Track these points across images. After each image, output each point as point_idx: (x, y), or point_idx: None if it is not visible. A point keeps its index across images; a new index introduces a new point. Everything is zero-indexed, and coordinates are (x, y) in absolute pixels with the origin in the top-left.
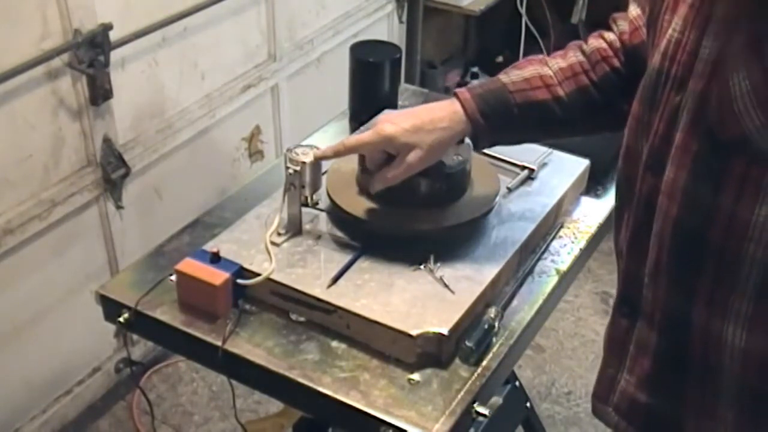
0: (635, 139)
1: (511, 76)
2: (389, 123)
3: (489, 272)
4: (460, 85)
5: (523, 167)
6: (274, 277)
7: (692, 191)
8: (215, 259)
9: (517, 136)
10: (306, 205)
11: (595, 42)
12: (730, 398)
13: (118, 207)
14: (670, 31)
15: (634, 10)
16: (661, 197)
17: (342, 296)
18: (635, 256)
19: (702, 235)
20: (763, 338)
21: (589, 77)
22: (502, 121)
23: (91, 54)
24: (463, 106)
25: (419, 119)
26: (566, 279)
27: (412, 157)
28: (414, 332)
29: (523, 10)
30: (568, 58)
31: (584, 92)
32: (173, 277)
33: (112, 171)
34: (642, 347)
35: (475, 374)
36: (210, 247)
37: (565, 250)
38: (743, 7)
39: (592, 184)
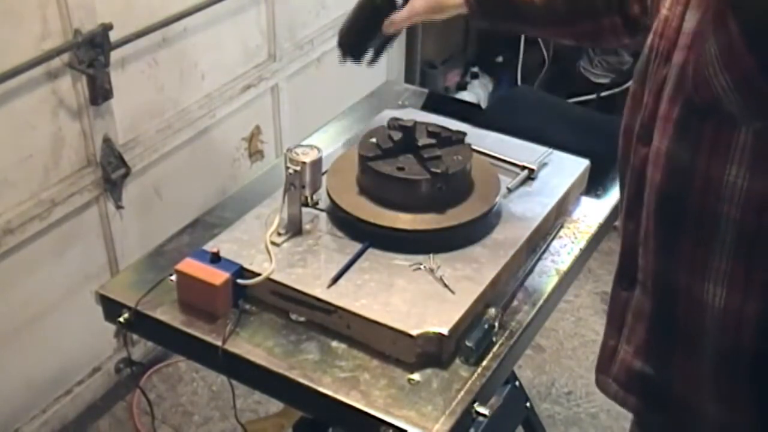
0: (631, 117)
1: None
2: None
3: (489, 272)
4: (460, 85)
5: (523, 167)
6: (274, 277)
7: (673, 156)
8: (215, 259)
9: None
10: (306, 205)
11: None
12: (710, 360)
13: (118, 207)
14: (663, 11)
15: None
16: (649, 166)
17: (342, 296)
18: (631, 228)
19: (682, 198)
20: (739, 296)
21: None
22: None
23: (91, 54)
24: None
25: None
26: (566, 279)
27: (417, 2)
28: (414, 332)
29: None
30: None
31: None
32: (173, 277)
33: (112, 171)
34: (637, 315)
35: (475, 374)
36: (210, 247)
37: (565, 250)
38: None
39: (592, 184)
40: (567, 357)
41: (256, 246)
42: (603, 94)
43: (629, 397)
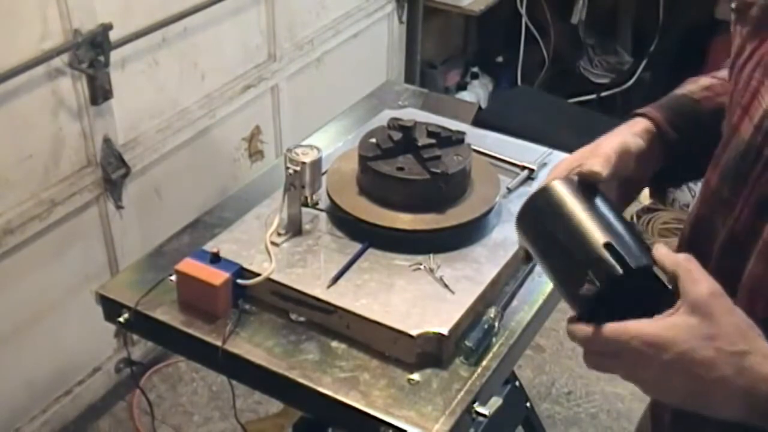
0: (710, 213)
1: (686, 88)
2: None
3: (489, 272)
4: (460, 85)
5: (523, 167)
6: (274, 277)
7: None
8: (215, 259)
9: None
10: (306, 205)
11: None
12: None
13: (118, 207)
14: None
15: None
16: (741, 291)
17: (342, 296)
18: None
19: None
20: None
21: None
22: (693, 132)
23: (91, 54)
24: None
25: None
26: None
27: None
28: (414, 332)
29: (523, 10)
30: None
31: None
32: (173, 277)
33: (112, 171)
34: None
35: (475, 374)
36: (210, 247)
37: None
38: None
39: None
40: (567, 357)
41: (256, 246)
42: (603, 94)
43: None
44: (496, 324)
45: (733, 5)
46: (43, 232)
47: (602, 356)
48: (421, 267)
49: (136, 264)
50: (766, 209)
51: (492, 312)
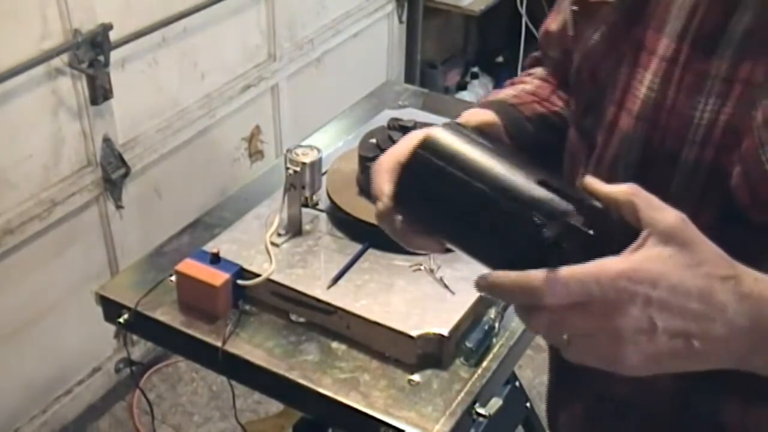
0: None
1: (507, 92)
2: None
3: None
4: (460, 85)
5: None
6: (274, 277)
7: None
8: (215, 259)
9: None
10: (306, 205)
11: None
12: None
13: (118, 207)
14: (642, 89)
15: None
16: None
17: (342, 297)
18: None
19: None
20: None
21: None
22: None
23: (91, 54)
24: None
25: None
26: None
27: None
28: (414, 333)
29: (523, 10)
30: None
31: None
32: (173, 278)
33: (112, 171)
34: None
35: (475, 375)
36: (210, 247)
37: None
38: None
39: None
40: None
41: (256, 246)
42: None
43: None
44: (497, 325)
45: (575, 8)
46: (43, 232)
47: (559, 312)
48: (422, 268)
49: (136, 264)
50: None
51: (492, 313)
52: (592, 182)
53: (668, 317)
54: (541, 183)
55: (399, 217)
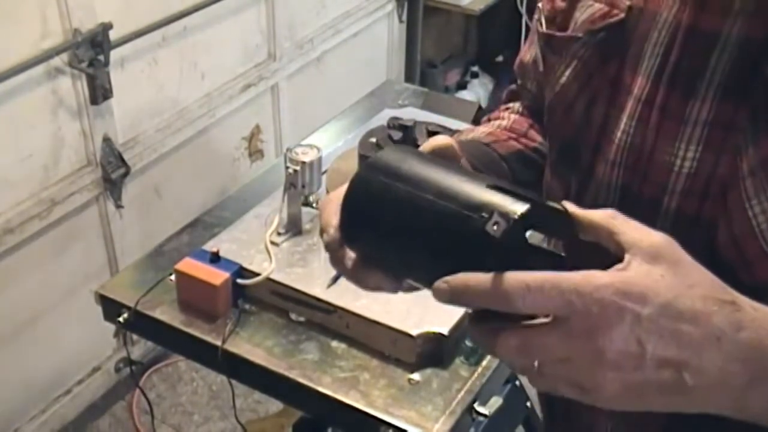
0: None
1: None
2: None
3: None
4: (460, 84)
5: None
6: (273, 276)
7: None
8: (215, 258)
9: None
10: (306, 204)
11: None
12: None
13: (118, 206)
14: (618, 132)
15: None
16: None
17: (342, 296)
18: None
19: None
20: None
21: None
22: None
23: (91, 53)
24: None
25: None
26: None
27: None
28: (414, 332)
29: (523, 10)
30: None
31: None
32: (173, 277)
33: (112, 170)
34: None
35: (476, 374)
36: (210, 246)
37: None
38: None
39: None
40: None
41: (255, 246)
42: None
43: None
44: None
45: (542, 42)
46: (43, 231)
47: (532, 333)
48: None
49: (135, 263)
50: None
51: None
52: (566, 204)
53: (659, 340)
54: (492, 187)
55: (351, 254)
